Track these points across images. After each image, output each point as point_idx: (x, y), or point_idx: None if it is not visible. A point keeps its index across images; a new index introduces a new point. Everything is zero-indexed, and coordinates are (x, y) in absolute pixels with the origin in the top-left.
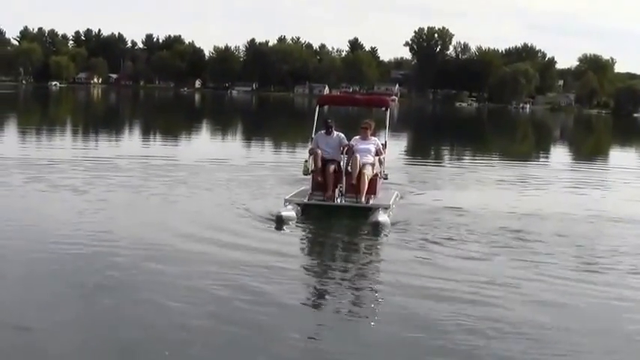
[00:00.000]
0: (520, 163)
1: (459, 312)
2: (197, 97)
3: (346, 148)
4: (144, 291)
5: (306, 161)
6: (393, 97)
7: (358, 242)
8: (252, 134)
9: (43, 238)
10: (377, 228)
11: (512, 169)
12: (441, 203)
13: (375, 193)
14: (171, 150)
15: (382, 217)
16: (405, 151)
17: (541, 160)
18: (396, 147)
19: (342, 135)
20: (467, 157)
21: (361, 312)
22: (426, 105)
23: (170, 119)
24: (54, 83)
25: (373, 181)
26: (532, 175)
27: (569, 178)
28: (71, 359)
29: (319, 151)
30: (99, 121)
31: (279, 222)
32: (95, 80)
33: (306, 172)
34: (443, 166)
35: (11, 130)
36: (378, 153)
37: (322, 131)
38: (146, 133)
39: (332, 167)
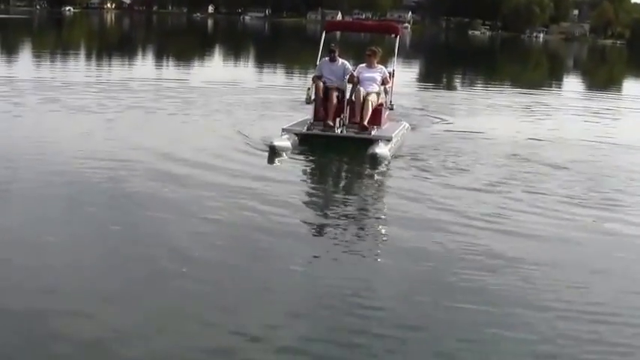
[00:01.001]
0: (532, 90)
1: (456, 244)
2: (210, 22)
3: (349, 76)
4: (151, 209)
5: (308, 89)
6: (406, 24)
7: (354, 174)
8: (263, 59)
9: (55, 156)
10: (374, 160)
11: (524, 96)
12: (449, 131)
13: (379, 124)
14: (182, 73)
15: (380, 149)
16: (416, 78)
17: (553, 88)
18: (407, 74)
19: (347, 63)
20: (478, 85)
21: (358, 243)
22: (439, 33)
23: (183, 44)
24: (67, 8)
25: (378, 112)
26: (543, 103)
27: (580, 106)
28: (89, 274)
29: (323, 80)
30: (112, 45)
31: (272, 152)
32: (108, 5)
33: (308, 101)
34: (454, 92)
35: (26, 53)
36: (384, 82)
37: (326, 58)
38: (159, 56)
39: (334, 95)
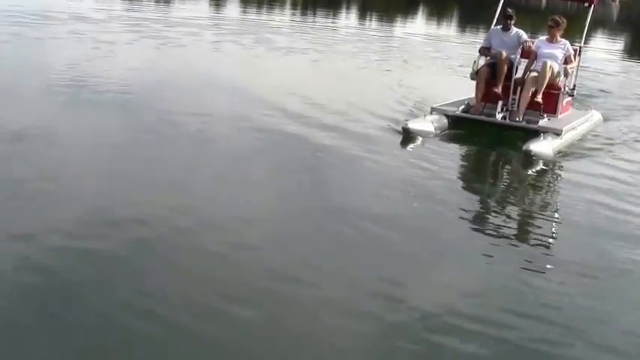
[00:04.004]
0: None
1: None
2: None
3: (523, 49)
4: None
5: (475, 62)
6: None
7: (504, 171)
8: (467, 19)
9: (255, 92)
10: (528, 158)
11: None
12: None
13: (554, 112)
14: (386, 26)
15: (539, 145)
16: (620, 55)
17: None
18: (611, 49)
19: (522, 32)
20: None
21: (509, 246)
22: None
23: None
24: None
25: (553, 97)
26: None
27: None
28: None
29: (492, 53)
30: None
31: (406, 135)
32: None
33: (473, 76)
34: None
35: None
36: (566, 61)
37: (498, 26)
38: (364, 10)
39: (505, 65)
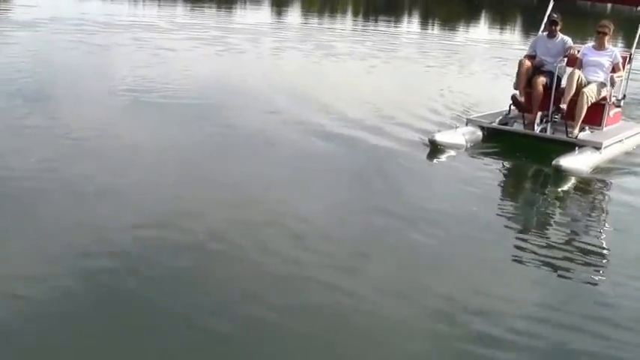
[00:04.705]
0: None
1: None
2: None
3: (568, 57)
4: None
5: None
6: None
7: (523, 193)
8: (529, 27)
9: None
10: (558, 173)
11: None
12: None
13: (598, 124)
14: (446, 33)
15: (570, 159)
16: None
17: None
18: None
19: (568, 38)
20: None
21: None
22: None
23: (449, 10)
24: None
25: (598, 108)
26: None
27: None
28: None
29: (527, 62)
30: (379, 6)
31: (433, 148)
32: None
33: (516, 85)
34: None
35: (297, 6)
36: (614, 69)
37: (544, 33)
38: (425, 18)
39: (540, 82)
